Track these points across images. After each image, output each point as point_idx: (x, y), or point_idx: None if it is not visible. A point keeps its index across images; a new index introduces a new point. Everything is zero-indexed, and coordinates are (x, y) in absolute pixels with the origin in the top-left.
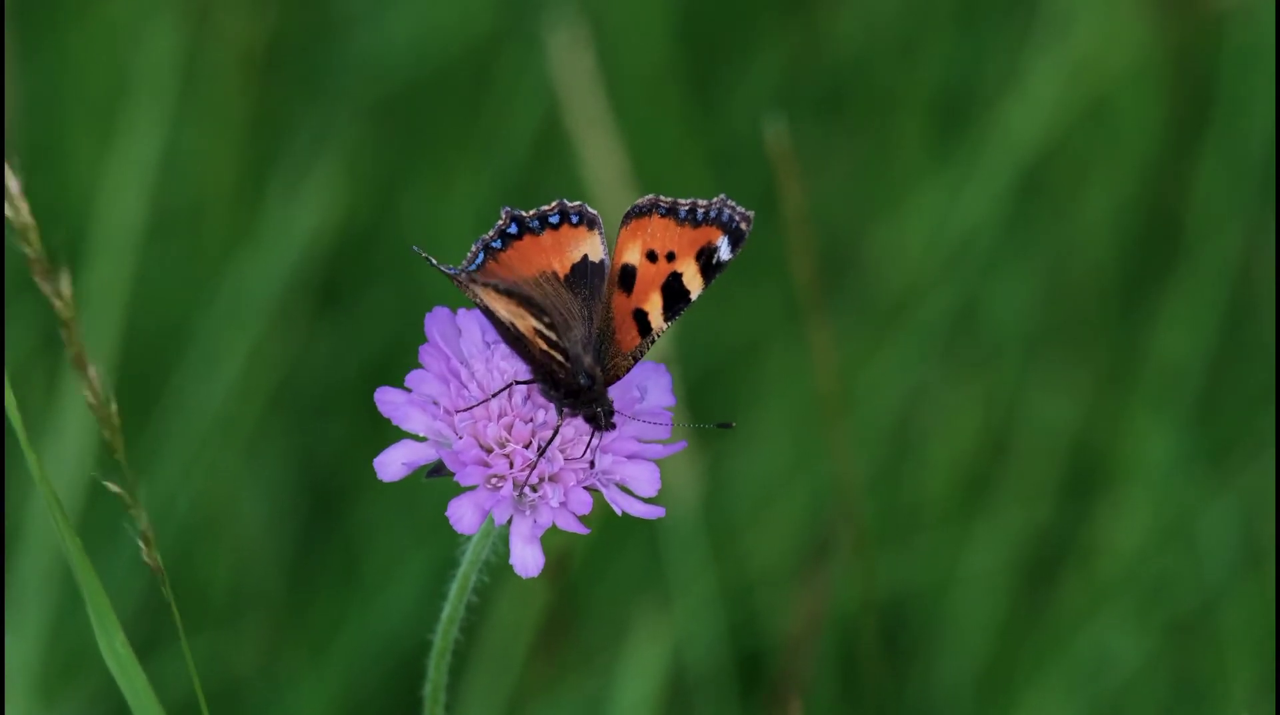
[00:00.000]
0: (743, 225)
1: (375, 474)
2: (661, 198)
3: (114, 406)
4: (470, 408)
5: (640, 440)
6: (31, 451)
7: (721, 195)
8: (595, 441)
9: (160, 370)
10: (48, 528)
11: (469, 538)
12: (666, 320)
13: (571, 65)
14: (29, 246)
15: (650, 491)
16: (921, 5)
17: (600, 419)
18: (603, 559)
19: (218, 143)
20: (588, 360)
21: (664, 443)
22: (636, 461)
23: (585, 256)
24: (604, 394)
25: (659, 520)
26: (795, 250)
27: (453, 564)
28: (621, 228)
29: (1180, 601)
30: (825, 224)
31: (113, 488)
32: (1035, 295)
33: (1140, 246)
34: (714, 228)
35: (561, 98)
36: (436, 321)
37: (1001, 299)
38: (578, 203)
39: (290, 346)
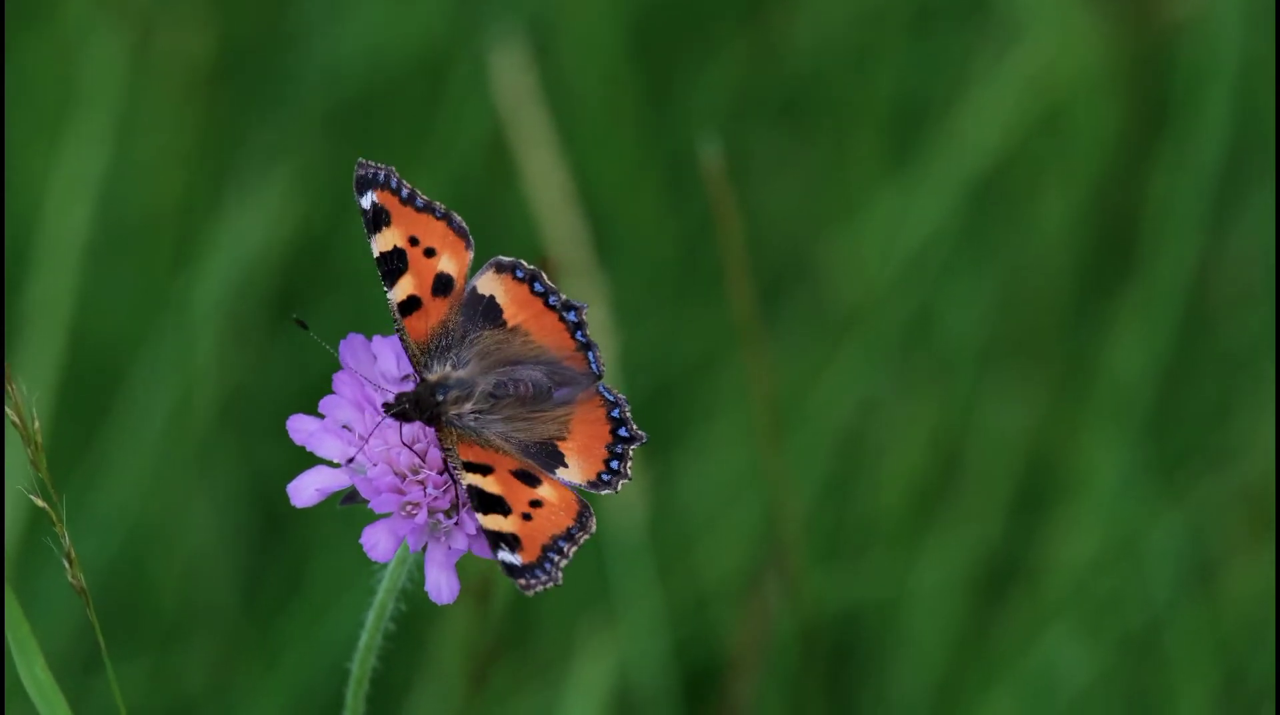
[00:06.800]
0: None
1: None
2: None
3: (37, 423)
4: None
5: None
6: None
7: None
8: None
9: (109, 384)
10: None
11: (385, 566)
12: None
13: (514, 86)
14: None
15: None
16: (875, 15)
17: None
18: None
19: (166, 155)
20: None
21: None
22: None
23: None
24: (424, 402)
25: (607, 536)
26: (733, 277)
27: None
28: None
29: (1130, 618)
30: (780, 234)
31: (39, 503)
32: (989, 306)
33: (1095, 257)
34: None
35: (505, 118)
36: (351, 348)
37: (956, 310)
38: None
39: (241, 360)
